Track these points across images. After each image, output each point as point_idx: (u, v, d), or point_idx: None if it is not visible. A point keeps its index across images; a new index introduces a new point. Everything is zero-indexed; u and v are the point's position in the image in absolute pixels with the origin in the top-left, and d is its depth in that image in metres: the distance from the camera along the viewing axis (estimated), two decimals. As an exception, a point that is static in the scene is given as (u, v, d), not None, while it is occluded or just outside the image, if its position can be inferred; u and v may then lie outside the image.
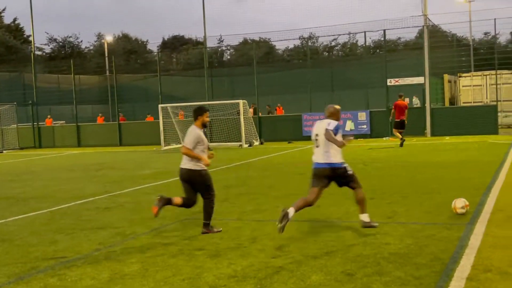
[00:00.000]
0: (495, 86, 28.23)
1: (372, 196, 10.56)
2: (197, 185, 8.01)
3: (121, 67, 44.85)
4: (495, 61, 27.98)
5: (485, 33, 52.92)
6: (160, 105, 28.83)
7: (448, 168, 14.49)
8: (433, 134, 26.18)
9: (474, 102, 31.67)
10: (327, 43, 54.33)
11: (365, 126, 27.30)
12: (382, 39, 32.19)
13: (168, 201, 8.02)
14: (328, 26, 34.65)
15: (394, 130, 22.32)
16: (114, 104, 33.15)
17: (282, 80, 37.82)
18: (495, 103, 26.99)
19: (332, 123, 7.51)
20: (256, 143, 27.20)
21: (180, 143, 28.45)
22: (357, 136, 26.88)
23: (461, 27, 48.79)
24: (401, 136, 21.62)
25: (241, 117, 26.65)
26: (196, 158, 7.89)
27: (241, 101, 27.06)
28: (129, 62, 56.74)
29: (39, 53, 58.75)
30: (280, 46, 55.43)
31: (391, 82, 27.38)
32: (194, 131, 7.97)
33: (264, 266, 6.26)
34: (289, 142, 27.11)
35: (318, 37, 47.03)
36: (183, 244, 7.50)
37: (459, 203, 8.48)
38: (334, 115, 7.71)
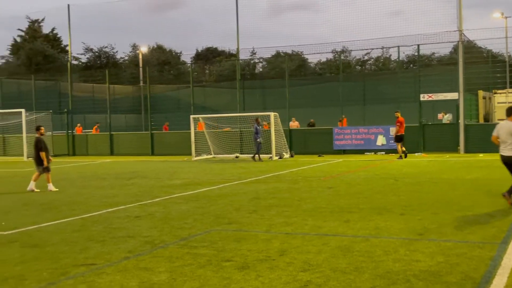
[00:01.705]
0: (531, 103, 27.66)
1: (403, 212, 10.43)
2: None
3: (154, 78, 45.40)
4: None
5: (522, 49, 51.92)
6: (192, 116, 29.07)
7: (481, 185, 14.23)
8: (467, 151, 25.76)
9: (509, 119, 31.02)
10: (359, 57, 54.12)
11: (397, 141, 26.96)
12: (416, 53, 31.92)
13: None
14: (361, 40, 34.48)
15: (398, 144, 24.14)
16: (147, 114, 33.52)
17: (314, 93, 37.76)
18: (531, 120, 26.41)
19: None
20: (286, 155, 27.17)
21: (211, 154, 28.60)
22: (388, 151, 26.63)
23: (497, 43, 47.92)
24: (404, 149, 23.90)
25: (272, 129, 26.67)
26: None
27: (272, 113, 27.08)
28: (163, 73, 57.42)
29: (75, 62, 59.94)
30: (312, 59, 55.33)
31: (424, 97, 27.08)
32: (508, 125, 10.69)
33: (292, 280, 6.23)
34: (319, 156, 27.00)
35: (351, 50, 46.83)
36: (211, 255, 7.52)
37: None
38: None
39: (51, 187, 15.86)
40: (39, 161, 16.05)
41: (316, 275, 6.37)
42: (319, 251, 7.53)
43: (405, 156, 23.92)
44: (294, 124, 30.57)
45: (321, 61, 54.89)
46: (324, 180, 16.67)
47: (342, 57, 44.91)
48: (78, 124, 37.01)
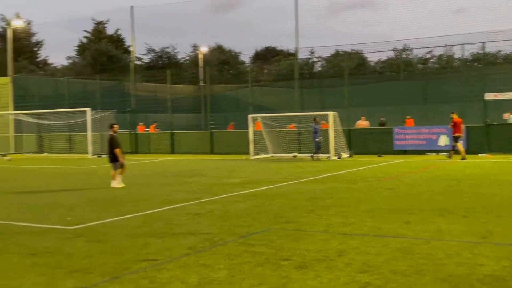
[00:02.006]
0: None
1: (465, 214, 10.16)
2: None
3: (214, 77, 45.93)
4: None
5: None
6: (250, 115, 29.24)
7: (550, 188, 13.66)
8: (534, 152, 24.77)
9: None
10: (421, 55, 52.90)
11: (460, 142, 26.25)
12: (481, 51, 30.94)
13: None
14: (423, 38, 33.73)
15: (457, 144, 23.95)
16: (207, 113, 33.98)
17: (374, 92, 37.20)
18: None
19: None
20: (345, 155, 26.91)
21: (269, 153, 28.69)
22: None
23: None
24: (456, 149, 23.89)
25: (331, 128, 26.48)
26: None
27: (331, 113, 26.89)
28: (222, 72, 58.03)
29: (138, 63, 61.40)
30: (372, 57, 54.45)
31: (489, 96, 26.23)
32: None
33: (351, 280, 6.19)
34: (379, 156, 26.60)
35: (412, 49, 45.84)
36: (269, 253, 7.57)
37: None
38: None
39: (114, 183, 16.16)
40: (113, 158, 16.29)
41: (375, 277, 6.30)
42: (378, 252, 7.44)
43: (450, 157, 24.02)
44: (363, 123, 30.09)
45: (381, 60, 54.00)
46: (383, 180, 16.43)
47: (403, 56, 44.03)
48: (141, 123, 37.93)
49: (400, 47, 42.80)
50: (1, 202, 14.01)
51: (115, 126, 16.69)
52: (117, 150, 16.19)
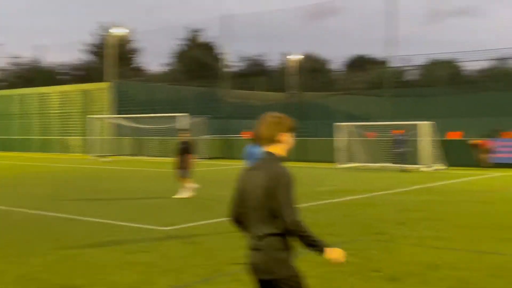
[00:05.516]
0: None
1: None
2: None
3: (305, 85, 46.00)
4: None
5: None
6: (335, 124, 29.10)
7: None
8: None
9: None
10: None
11: None
12: None
13: None
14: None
15: None
16: (297, 121, 34.03)
17: (471, 103, 35.76)
18: None
19: None
20: (439, 167, 26.04)
21: (360, 163, 28.29)
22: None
23: None
24: None
25: (425, 139, 25.74)
26: None
27: (425, 123, 26.15)
28: (313, 80, 58.00)
29: (230, 70, 62.68)
30: (470, 66, 52.41)
31: None
32: None
33: (444, 296, 6.02)
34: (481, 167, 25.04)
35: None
36: (359, 264, 7.49)
37: None
38: None
39: (185, 192, 14.87)
40: (186, 165, 14.90)
41: (470, 294, 6.09)
42: (474, 268, 7.18)
43: None
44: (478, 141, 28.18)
45: (480, 69, 51.81)
46: (479, 194, 15.77)
47: (502, 65, 42.04)
48: (244, 130, 38.69)
49: (499, 56, 40.94)
50: (102, 202, 14.73)
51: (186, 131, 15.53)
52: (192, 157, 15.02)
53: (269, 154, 3.71)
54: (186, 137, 15.30)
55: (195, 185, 15.20)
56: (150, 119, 37.04)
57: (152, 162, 32.19)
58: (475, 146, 25.11)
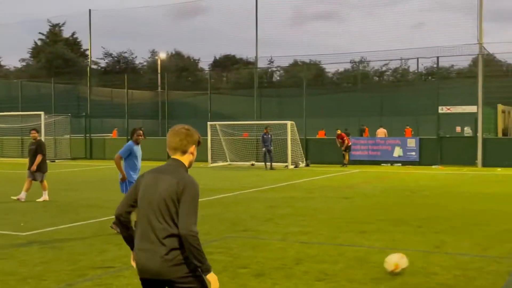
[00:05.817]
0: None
1: (420, 224, 10.39)
2: None
3: (172, 84, 45.67)
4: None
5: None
6: (209, 123, 29.23)
7: (499, 200, 14.11)
8: (484, 165, 25.54)
9: (528, 134, 30.81)
10: (378, 67, 53.94)
11: (414, 153, 26.88)
12: (435, 66, 31.80)
13: None
14: (379, 50, 34.41)
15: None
16: (165, 120, 33.74)
17: (331, 103, 37.71)
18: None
19: None
20: (302, 164, 27.15)
21: (227, 161, 28.68)
22: (405, 163, 26.51)
23: (517, 56, 47.41)
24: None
25: (288, 138, 26.70)
26: None
27: (289, 122, 27.13)
28: (181, 79, 57.75)
29: (95, 67, 60.49)
30: (330, 69, 55.18)
31: (443, 109, 26.96)
32: None
33: (308, 289, 6.25)
34: (342, 165, 26.28)
35: (369, 61, 46.70)
36: (227, 261, 7.56)
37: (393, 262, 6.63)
38: None
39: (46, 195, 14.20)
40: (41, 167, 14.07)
41: (332, 285, 6.38)
42: (335, 261, 7.54)
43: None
44: (381, 131, 29.58)
45: (339, 71, 54.77)
46: (340, 190, 16.64)
47: (360, 68, 44.83)
48: (116, 128, 37.46)
49: (357, 59, 43.57)
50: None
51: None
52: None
53: (177, 161, 3.83)
54: (36, 137, 14.42)
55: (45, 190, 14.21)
56: (7, 118, 34.78)
57: (10, 163, 30.16)
58: (341, 137, 26.50)
